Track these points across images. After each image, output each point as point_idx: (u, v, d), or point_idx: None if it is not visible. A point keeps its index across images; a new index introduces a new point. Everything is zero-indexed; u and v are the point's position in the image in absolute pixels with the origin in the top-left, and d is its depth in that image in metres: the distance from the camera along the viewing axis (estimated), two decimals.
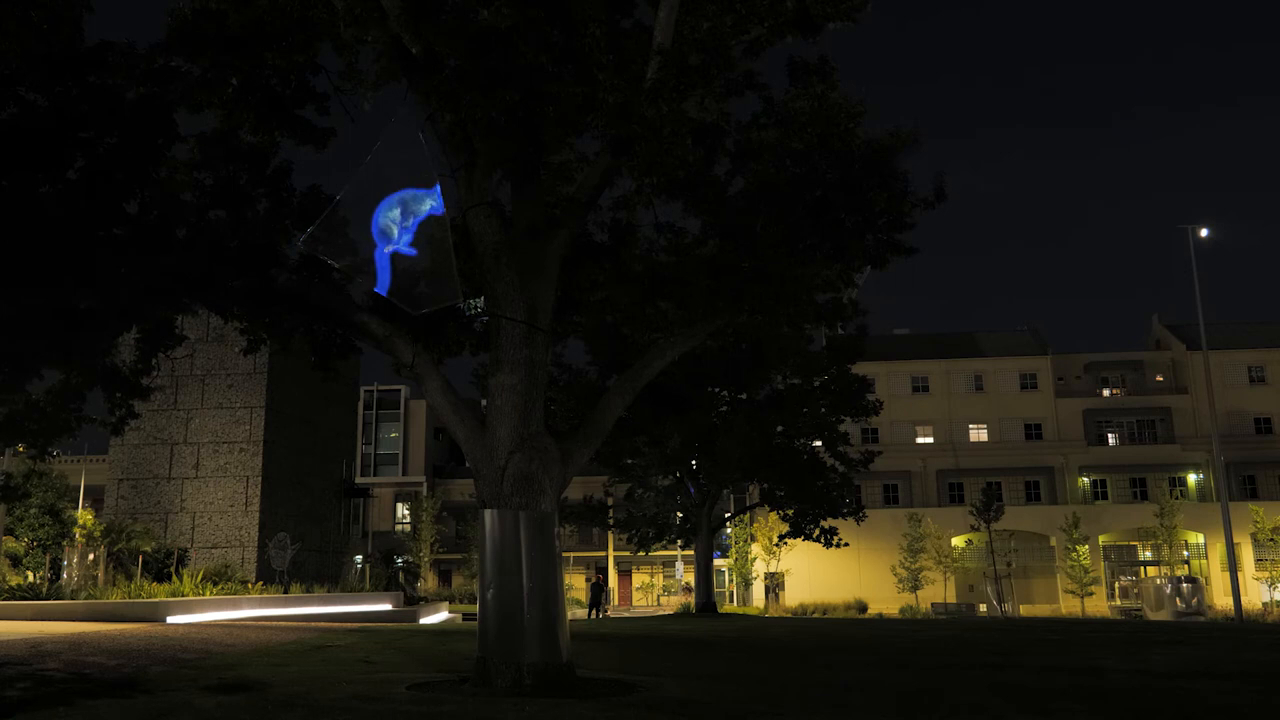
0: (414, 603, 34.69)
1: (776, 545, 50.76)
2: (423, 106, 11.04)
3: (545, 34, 10.23)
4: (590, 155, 12.27)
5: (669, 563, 65.03)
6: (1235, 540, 44.49)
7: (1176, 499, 59.98)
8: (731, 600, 59.44)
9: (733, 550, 58.73)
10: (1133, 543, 61.95)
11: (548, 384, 12.89)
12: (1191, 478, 65.25)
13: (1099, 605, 56.57)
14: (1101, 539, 60.76)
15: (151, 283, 10.97)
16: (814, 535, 40.02)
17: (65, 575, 27.33)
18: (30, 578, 28.25)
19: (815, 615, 49.96)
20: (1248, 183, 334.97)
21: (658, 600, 64.88)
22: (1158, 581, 51.38)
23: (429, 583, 61.08)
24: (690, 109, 10.63)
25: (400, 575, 47.73)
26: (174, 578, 27.38)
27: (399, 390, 70.18)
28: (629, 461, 38.97)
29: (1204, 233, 43.01)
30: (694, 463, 39.16)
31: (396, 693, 10.15)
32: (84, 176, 10.86)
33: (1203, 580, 53.51)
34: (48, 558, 29.05)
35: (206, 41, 11.37)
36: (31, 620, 20.73)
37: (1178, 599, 48.09)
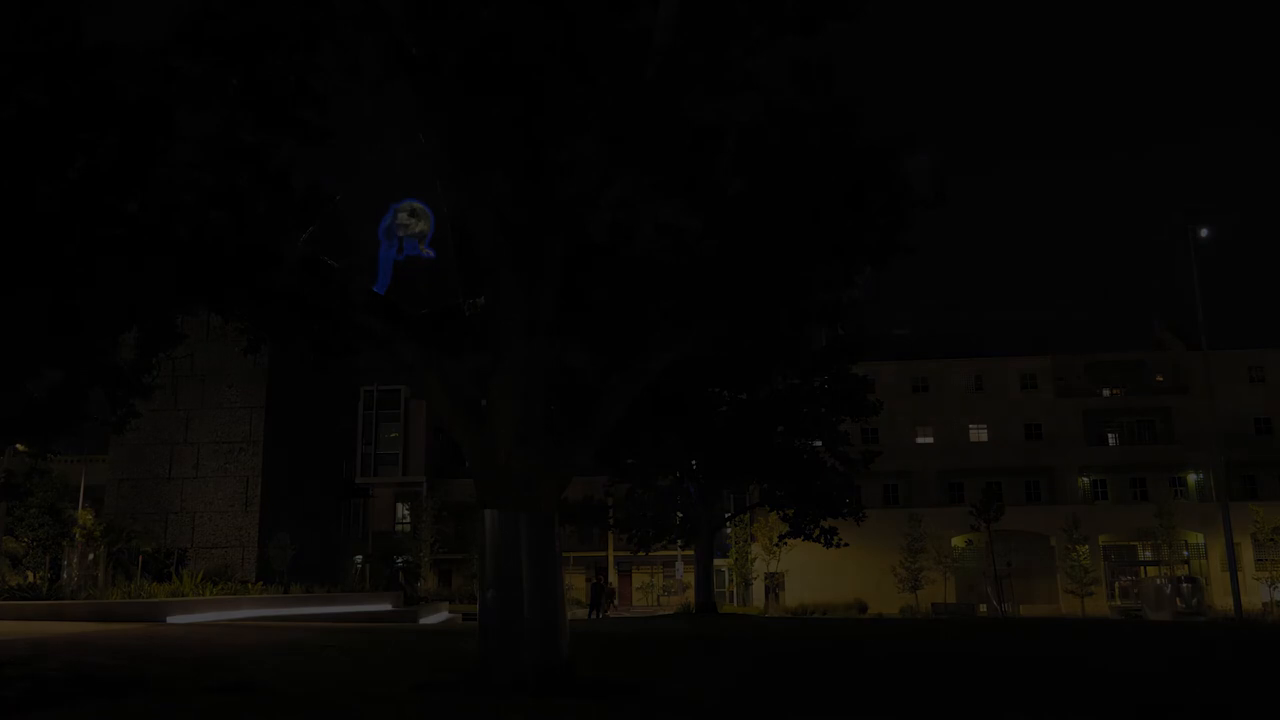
0: (414, 602, 34.69)
1: (776, 545, 50.72)
2: (423, 106, 11.04)
3: (545, 34, 10.23)
4: (590, 155, 12.26)
5: (669, 563, 64.99)
6: (1235, 540, 44.47)
7: (1176, 499, 59.89)
8: (731, 600, 59.40)
9: (733, 550, 58.68)
10: (1133, 543, 61.91)
11: (548, 384, 12.88)
12: (1191, 478, 65.22)
13: (1099, 605, 56.54)
14: (1101, 539, 60.71)
15: (151, 283, 10.97)
16: (814, 535, 40.02)
17: (65, 575, 27.33)
18: (30, 578, 28.24)
19: (815, 615, 49.94)
20: (1248, 182, 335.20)
21: (657, 600, 64.92)
22: (1158, 581, 51.38)
23: (429, 583, 60.97)
24: (690, 109, 10.63)
25: (400, 575, 47.69)
26: (174, 578, 27.36)
27: (399, 390, 70.05)
28: (629, 461, 38.93)
29: (1204, 233, 43.00)
30: (694, 463, 39.12)
31: (397, 692, 10.15)
32: (84, 176, 10.86)
33: (1203, 580, 53.51)
34: (48, 558, 29.03)
35: (207, 41, 11.36)
36: (31, 620, 20.72)
37: (1178, 599, 48.10)
